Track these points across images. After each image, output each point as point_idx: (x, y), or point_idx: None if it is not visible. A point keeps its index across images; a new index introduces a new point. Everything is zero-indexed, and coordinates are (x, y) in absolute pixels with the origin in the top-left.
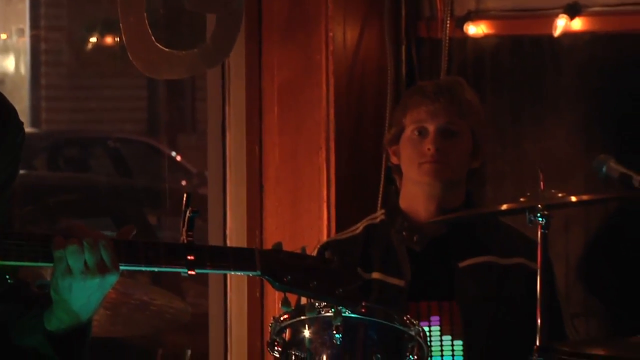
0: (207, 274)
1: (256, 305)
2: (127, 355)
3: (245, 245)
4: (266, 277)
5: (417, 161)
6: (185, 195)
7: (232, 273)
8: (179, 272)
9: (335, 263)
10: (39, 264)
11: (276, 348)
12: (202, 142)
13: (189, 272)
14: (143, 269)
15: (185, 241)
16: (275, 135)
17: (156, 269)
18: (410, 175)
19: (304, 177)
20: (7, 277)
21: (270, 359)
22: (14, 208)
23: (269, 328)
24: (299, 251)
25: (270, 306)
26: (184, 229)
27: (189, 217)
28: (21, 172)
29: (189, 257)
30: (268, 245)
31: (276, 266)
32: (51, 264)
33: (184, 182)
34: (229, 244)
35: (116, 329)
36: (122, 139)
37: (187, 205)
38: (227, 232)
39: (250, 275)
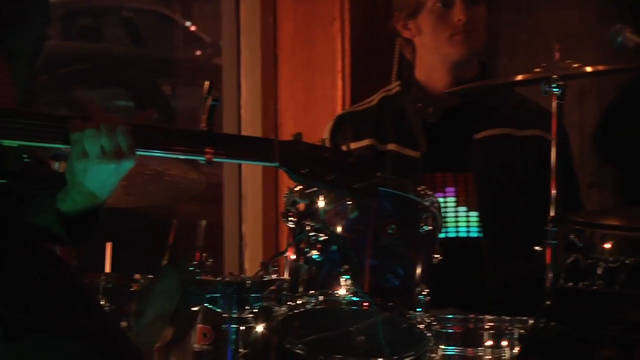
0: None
1: (270, 176)
2: (141, 225)
3: (259, 116)
4: (284, 168)
5: (447, 33)
6: (206, 83)
7: (251, 163)
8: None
9: (354, 157)
10: (56, 145)
11: (290, 218)
12: (216, 12)
13: (208, 161)
14: (160, 155)
15: (205, 129)
16: (290, 4)
17: (174, 156)
18: (437, 47)
19: (318, 48)
20: (25, 156)
21: (285, 229)
22: None
23: (284, 199)
24: (318, 142)
25: (284, 177)
26: (205, 117)
27: (209, 105)
28: None
29: (207, 146)
30: (282, 115)
31: (294, 158)
32: (68, 146)
33: (198, 52)
34: (242, 114)
35: (130, 199)
36: (136, 8)
37: (208, 93)
38: (242, 102)
39: (269, 166)
